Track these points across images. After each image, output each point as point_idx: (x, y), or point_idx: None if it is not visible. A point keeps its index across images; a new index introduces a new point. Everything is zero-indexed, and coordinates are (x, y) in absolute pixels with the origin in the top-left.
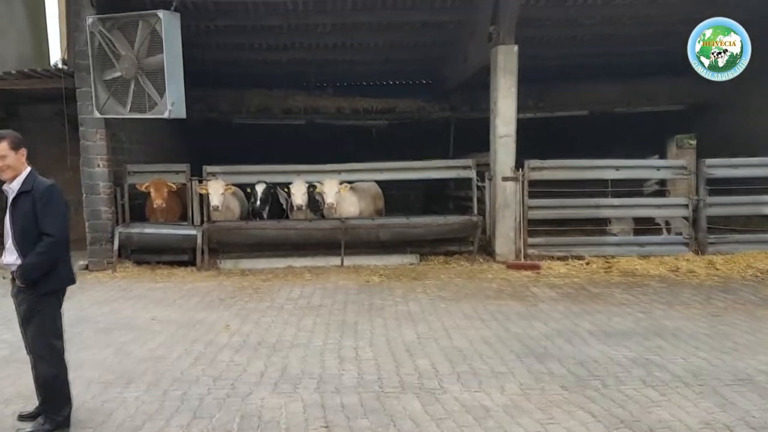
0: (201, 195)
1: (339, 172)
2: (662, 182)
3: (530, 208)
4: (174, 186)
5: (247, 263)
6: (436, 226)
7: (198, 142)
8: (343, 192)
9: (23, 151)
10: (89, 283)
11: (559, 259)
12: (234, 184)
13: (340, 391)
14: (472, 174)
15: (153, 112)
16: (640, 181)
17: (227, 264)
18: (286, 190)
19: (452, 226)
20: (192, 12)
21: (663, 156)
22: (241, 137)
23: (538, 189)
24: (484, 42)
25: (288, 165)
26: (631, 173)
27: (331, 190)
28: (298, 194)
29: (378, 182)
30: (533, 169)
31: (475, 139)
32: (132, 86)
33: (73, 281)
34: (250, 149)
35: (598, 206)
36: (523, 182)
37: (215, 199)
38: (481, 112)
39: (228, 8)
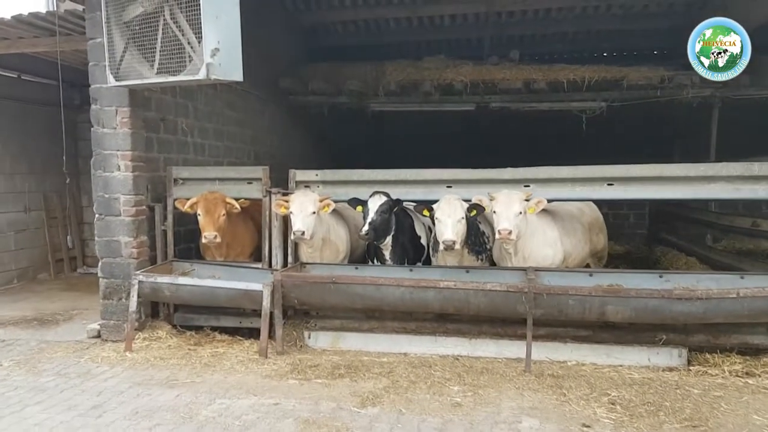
0: (284, 218)
1: (525, 182)
2: None
3: None
4: (236, 205)
5: (353, 341)
6: (734, 299)
7: (324, 141)
8: (531, 215)
9: None
10: (73, 371)
11: None
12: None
13: None
14: None
15: (187, 72)
16: None
17: (320, 340)
18: (427, 213)
19: None
20: None
21: None
22: (384, 132)
23: None
24: None
25: (431, 170)
26: None
27: (507, 209)
28: (448, 221)
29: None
30: None
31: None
32: (160, 28)
33: None
34: (399, 150)
35: None
36: None
37: (299, 222)
38: None
39: None
